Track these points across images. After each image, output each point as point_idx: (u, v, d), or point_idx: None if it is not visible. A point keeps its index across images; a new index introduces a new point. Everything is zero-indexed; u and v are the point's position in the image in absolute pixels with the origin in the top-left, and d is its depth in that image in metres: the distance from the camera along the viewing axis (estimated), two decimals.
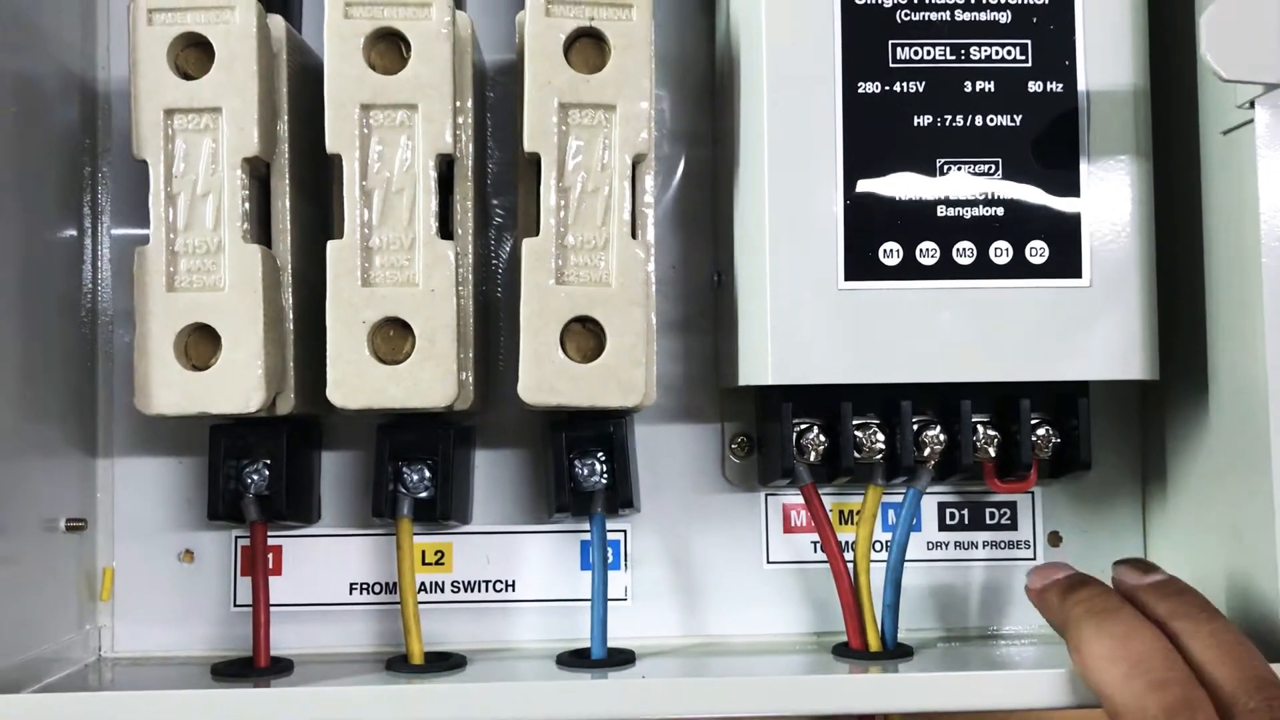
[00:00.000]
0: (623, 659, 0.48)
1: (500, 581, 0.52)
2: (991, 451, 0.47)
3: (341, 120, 0.43)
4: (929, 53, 0.45)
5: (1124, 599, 0.41)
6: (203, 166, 0.44)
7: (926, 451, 0.47)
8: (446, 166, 0.45)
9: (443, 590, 0.52)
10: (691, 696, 0.42)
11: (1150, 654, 0.38)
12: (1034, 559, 0.53)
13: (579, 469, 0.48)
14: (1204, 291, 0.46)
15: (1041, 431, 0.47)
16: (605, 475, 0.48)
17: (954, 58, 0.45)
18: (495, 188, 0.52)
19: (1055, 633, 0.43)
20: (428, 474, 0.48)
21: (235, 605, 0.52)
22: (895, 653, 0.48)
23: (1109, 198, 0.45)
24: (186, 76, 0.44)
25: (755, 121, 0.45)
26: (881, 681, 0.44)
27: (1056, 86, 0.45)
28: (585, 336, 0.44)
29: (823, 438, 0.47)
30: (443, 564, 0.52)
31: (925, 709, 0.42)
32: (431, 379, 0.43)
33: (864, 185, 0.45)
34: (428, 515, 0.48)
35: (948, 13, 0.45)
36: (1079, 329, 0.45)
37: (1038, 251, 0.45)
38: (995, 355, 0.45)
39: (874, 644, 0.48)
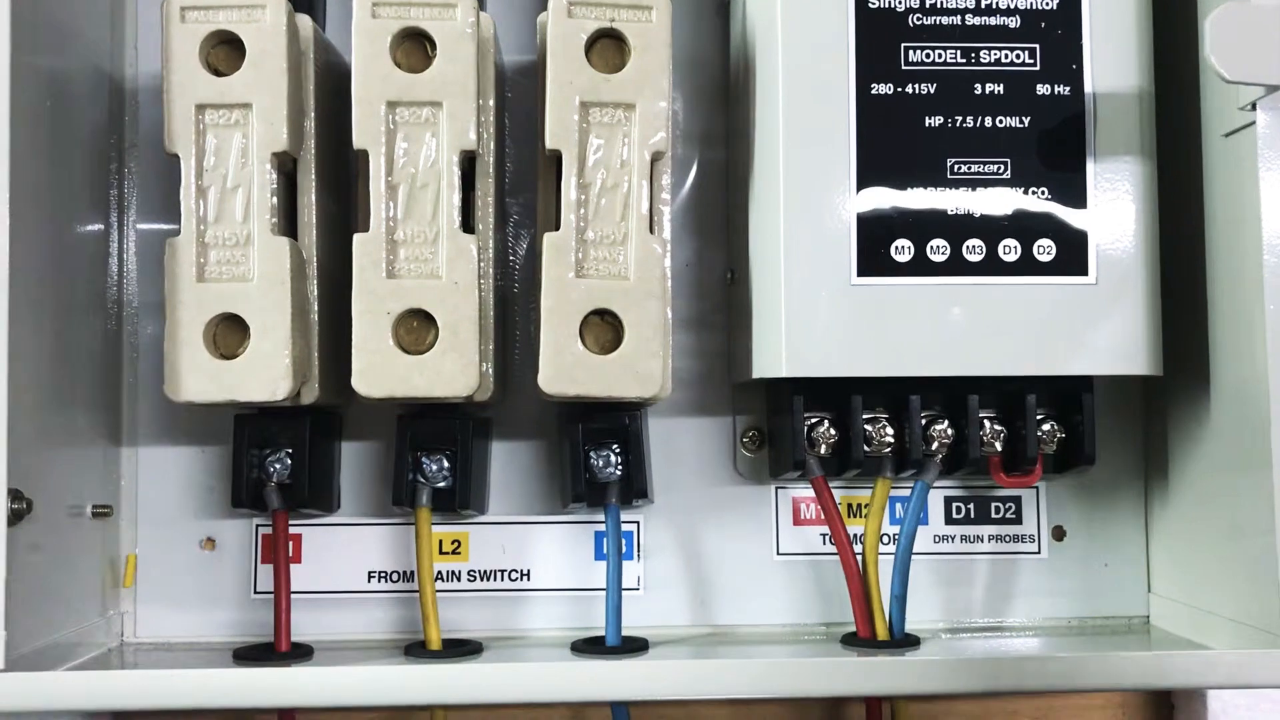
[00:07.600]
0: (636, 647, 0.49)
1: (516, 571, 0.53)
2: (998, 446, 0.48)
3: (368, 117, 0.44)
4: (940, 56, 0.46)
5: None
6: (233, 161, 0.45)
7: (934, 445, 0.48)
8: (469, 163, 0.46)
9: (459, 579, 0.53)
10: (704, 678, 0.43)
11: None
12: (1038, 553, 0.54)
13: (594, 460, 0.49)
14: (1206, 290, 0.47)
15: (1047, 427, 0.48)
16: (620, 467, 0.49)
17: (964, 60, 0.46)
18: (512, 186, 0.53)
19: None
20: (446, 464, 0.49)
21: (255, 592, 0.52)
22: (903, 642, 0.49)
23: (1115, 197, 0.46)
24: (217, 73, 0.45)
25: (770, 121, 0.47)
26: (890, 665, 0.44)
27: (1064, 89, 0.46)
28: (604, 329, 0.45)
29: (833, 431, 0.48)
30: (459, 553, 0.53)
31: (932, 692, 0.43)
32: (454, 369, 0.44)
33: (876, 184, 0.46)
34: (446, 505, 0.49)
35: (958, 17, 0.46)
36: (1085, 325, 0.46)
37: (1045, 249, 0.46)
38: (1003, 350, 0.46)
39: (882, 633, 0.49)
